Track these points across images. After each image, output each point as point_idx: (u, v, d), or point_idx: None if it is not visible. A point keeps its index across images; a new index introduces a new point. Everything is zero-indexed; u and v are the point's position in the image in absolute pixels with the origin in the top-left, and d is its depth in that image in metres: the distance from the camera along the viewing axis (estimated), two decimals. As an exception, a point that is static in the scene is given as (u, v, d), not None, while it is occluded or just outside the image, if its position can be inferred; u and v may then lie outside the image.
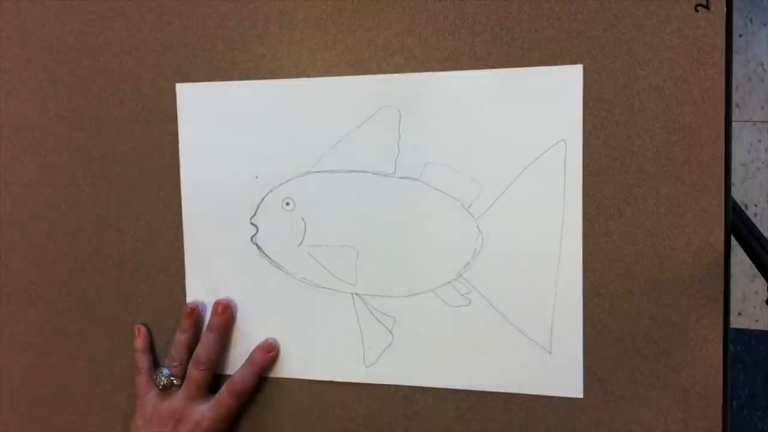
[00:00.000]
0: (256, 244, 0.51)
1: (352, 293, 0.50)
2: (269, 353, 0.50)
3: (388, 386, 0.50)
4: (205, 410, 0.49)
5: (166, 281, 0.53)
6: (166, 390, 0.49)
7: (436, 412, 0.49)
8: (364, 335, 0.50)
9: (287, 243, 0.51)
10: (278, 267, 0.51)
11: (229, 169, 0.51)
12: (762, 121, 1.40)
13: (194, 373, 0.49)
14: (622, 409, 0.46)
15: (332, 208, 0.50)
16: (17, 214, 0.56)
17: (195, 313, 0.51)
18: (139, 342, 0.52)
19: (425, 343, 0.49)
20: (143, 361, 0.52)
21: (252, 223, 0.51)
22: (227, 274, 0.52)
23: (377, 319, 0.50)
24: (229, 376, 0.52)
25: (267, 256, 0.51)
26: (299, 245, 0.51)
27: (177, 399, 0.49)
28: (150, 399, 0.50)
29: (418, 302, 0.49)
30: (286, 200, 0.51)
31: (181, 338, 0.51)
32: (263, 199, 0.51)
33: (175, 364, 0.50)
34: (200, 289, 0.53)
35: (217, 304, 0.51)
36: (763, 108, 1.40)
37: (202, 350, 0.50)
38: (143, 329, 0.53)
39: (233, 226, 0.52)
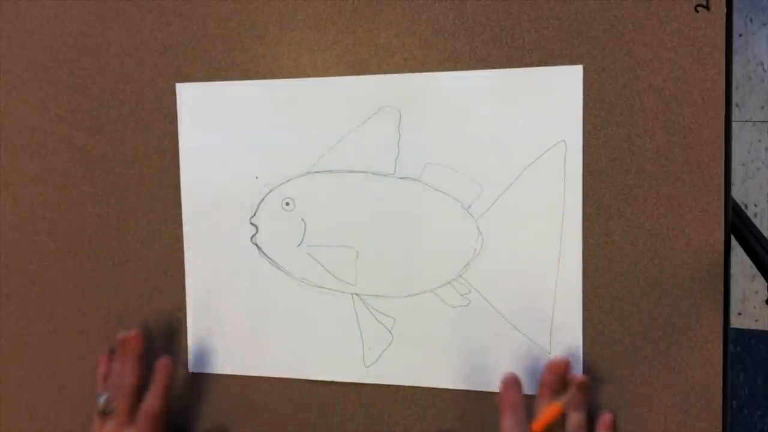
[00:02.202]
0: (256, 244, 0.51)
1: (352, 293, 0.50)
2: (163, 372, 0.50)
3: (388, 386, 0.50)
4: None
5: (166, 281, 0.53)
6: (106, 414, 0.49)
7: (436, 412, 0.49)
8: (364, 335, 0.50)
9: (287, 243, 0.51)
10: (278, 267, 0.51)
11: (229, 169, 0.52)
12: (762, 121, 1.40)
13: (122, 401, 0.49)
14: (622, 410, 0.46)
15: (332, 208, 0.50)
16: (17, 214, 0.56)
17: (127, 344, 0.50)
18: (100, 369, 0.52)
19: (425, 343, 0.49)
20: (100, 386, 0.52)
21: (252, 223, 0.51)
22: (227, 274, 0.52)
23: (377, 320, 0.50)
24: (234, 375, 0.52)
25: (267, 256, 0.51)
26: (299, 245, 0.51)
27: (110, 426, 0.49)
28: (95, 422, 0.50)
29: (418, 302, 0.49)
30: (286, 200, 0.51)
31: (111, 367, 0.51)
32: (263, 199, 0.51)
33: (111, 391, 0.50)
34: (200, 288, 0.53)
35: (126, 336, 0.50)
36: (763, 108, 1.40)
37: (120, 380, 0.50)
38: (104, 359, 0.52)
39: (233, 226, 0.52)
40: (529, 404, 0.47)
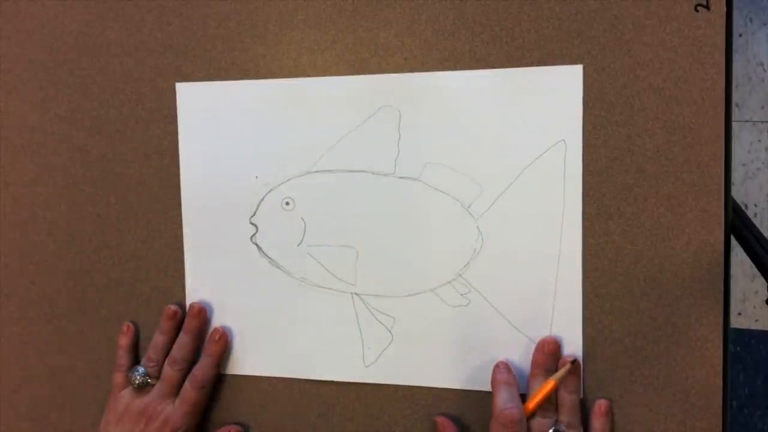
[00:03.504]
0: (256, 244, 0.51)
1: (351, 293, 0.50)
2: (218, 340, 0.51)
3: (388, 386, 0.50)
4: (173, 407, 0.50)
5: (166, 281, 0.53)
6: (141, 388, 0.50)
7: (436, 412, 0.49)
8: (364, 335, 0.50)
9: (287, 243, 0.51)
10: (278, 267, 0.51)
11: (229, 169, 0.52)
12: (762, 121, 1.40)
13: (169, 372, 0.50)
14: (622, 409, 0.46)
15: (332, 208, 0.50)
16: (17, 214, 0.56)
17: (176, 316, 0.52)
18: (124, 340, 0.53)
19: (425, 343, 0.49)
20: (124, 358, 0.53)
21: (252, 223, 0.51)
22: (227, 274, 0.52)
23: (377, 319, 0.50)
24: (234, 375, 0.52)
25: (267, 255, 0.51)
26: (299, 245, 0.51)
27: (150, 397, 0.50)
28: (123, 396, 0.51)
29: (418, 302, 0.49)
30: (286, 200, 0.51)
31: (159, 339, 0.52)
32: (263, 198, 0.51)
33: (152, 364, 0.51)
34: (200, 288, 0.53)
35: (191, 306, 0.52)
36: (763, 108, 1.40)
37: (177, 351, 0.51)
38: (131, 327, 0.53)
39: (233, 225, 0.52)
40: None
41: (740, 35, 1.41)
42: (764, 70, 1.40)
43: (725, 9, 0.44)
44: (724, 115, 0.44)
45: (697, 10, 0.44)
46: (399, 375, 0.50)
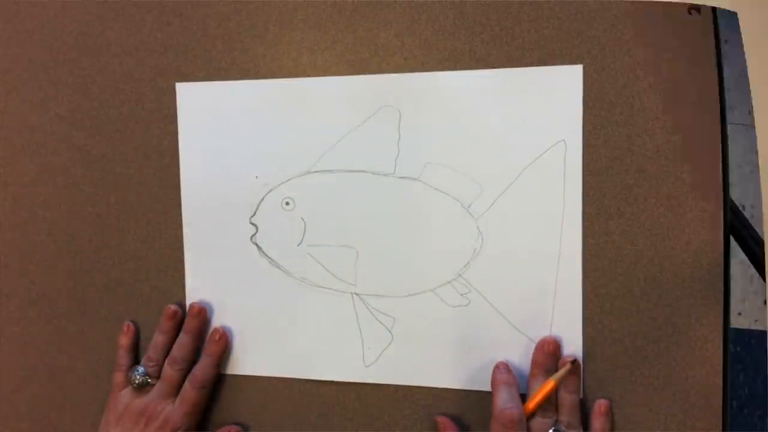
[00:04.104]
0: (256, 244, 0.51)
1: (351, 293, 0.50)
2: (218, 340, 0.51)
3: (388, 386, 0.50)
4: (172, 407, 0.50)
5: (166, 281, 0.53)
6: (141, 388, 0.50)
7: (435, 411, 0.49)
8: (364, 335, 0.50)
9: (287, 243, 0.51)
10: (278, 267, 0.51)
11: (229, 169, 0.52)
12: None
13: (169, 372, 0.50)
14: (622, 409, 0.46)
15: (332, 208, 0.50)
16: (17, 214, 0.56)
17: (177, 316, 0.52)
18: (124, 339, 0.53)
19: (425, 343, 0.49)
20: (124, 358, 0.53)
21: (252, 223, 0.51)
22: (227, 274, 0.52)
23: (377, 319, 0.50)
24: (234, 375, 0.52)
25: (267, 255, 0.51)
26: (299, 245, 0.51)
27: (150, 397, 0.50)
28: (123, 396, 0.51)
29: (418, 302, 0.49)
30: (286, 200, 0.51)
31: (159, 339, 0.52)
32: (263, 198, 0.51)
33: (152, 363, 0.51)
34: (200, 288, 0.53)
35: (191, 306, 0.52)
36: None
37: (177, 351, 0.51)
38: (132, 327, 0.53)
39: (233, 225, 0.52)
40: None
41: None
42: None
43: (711, 15, 0.44)
44: (721, 116, 0.44)
45: (690, 13, 0.44)
46: (399, 375, 0.50)
